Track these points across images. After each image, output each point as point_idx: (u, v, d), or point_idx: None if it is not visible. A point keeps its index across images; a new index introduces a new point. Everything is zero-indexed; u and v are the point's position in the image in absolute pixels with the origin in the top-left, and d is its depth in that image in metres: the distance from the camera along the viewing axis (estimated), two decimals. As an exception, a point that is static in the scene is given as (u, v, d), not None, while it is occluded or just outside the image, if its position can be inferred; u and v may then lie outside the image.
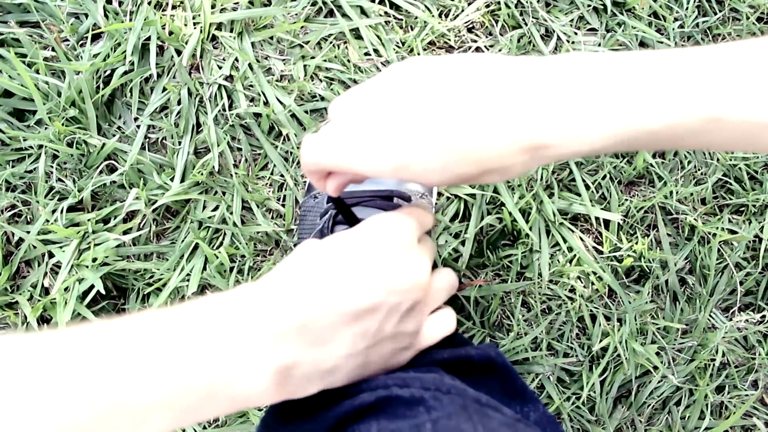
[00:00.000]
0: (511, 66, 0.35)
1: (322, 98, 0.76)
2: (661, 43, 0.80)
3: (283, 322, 0.36)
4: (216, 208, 0.75)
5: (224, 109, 0.75)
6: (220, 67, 0.76)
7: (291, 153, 0.76)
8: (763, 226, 0.80)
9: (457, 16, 0.79)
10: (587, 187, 0.78)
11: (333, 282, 0.38)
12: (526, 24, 0.80)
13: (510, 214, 0.74)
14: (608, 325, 0.77)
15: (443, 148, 0.35)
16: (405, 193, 0.69)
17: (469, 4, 0.79)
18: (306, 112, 0.76)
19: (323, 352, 0.38)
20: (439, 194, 0.76)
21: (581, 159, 0.78)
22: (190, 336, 0.35)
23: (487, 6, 0.79)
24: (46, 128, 0.74)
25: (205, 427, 0.73)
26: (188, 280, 0.73)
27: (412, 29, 0.79)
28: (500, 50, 0.78)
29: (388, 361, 0.43)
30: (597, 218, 0.78)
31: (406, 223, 0.43)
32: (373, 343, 0.40)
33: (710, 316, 0.80)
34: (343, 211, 0.57)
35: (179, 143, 0.75)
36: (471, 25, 0.80)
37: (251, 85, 0.76)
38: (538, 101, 0.33)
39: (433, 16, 0.78)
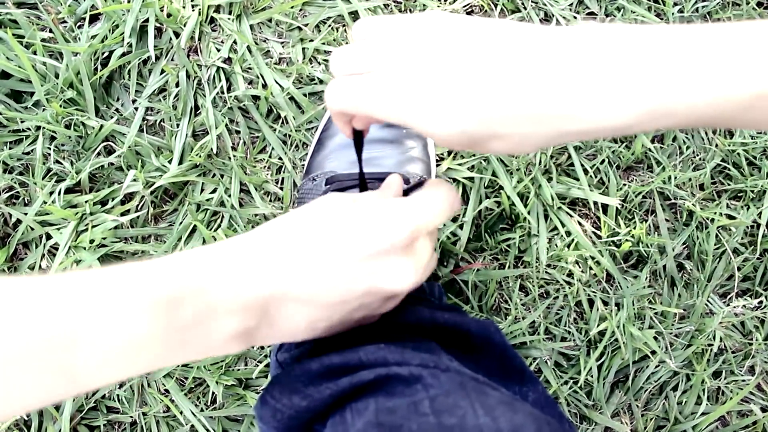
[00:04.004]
0: (545, 36, 0.33)
1: (321, 81, 0.76)
2: (661, 28, 0.80)
3: (248, 294, 0.36)
4: (214, 191, 0.75)
5: (222, 92, 0.75)
6: (218, 50, 0.75)
7: (289, 136, 0.76)
8: (761, 212, 0.80)
9: (457, -1, 0.79)
10: (585, 171, 0.78)
11: (307, 266, 0.38)
12: (525, 8, 0.79)
13: (508, 197, 0.74)
14: (606, 309, 0.77)
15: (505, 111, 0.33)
16: (404, 175, 0.69)
17: (468, -12, 0.79)
18: (304, 95, 0.76)
19: (281, 327, 0.39)
20: (437, 177, 0.76)
21: (581, 143, 0.78)
22: (169, 289, 0.34)
23: (487, -10, 0.79)
24: (43, 110, 0.73)
25: (202, 409, 0.73)
26: (186, 263, 0.73)
27: (410, 12, 0.79)
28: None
29: (356, 322, 0.44)
30: (595, 203, 0.78)
31: (408, 219, 0.40)
32: (337, 323, 0.41)
33: (708, 301, 0.80)
34: (359, 147, 0.54)
35: (177, 125, 0.75)
36: (470, 9, 0.80)
37: (250, 68, 0.76)
38: (568, 72, 0.32)
39: (432, -1, 0.78)
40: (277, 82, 0.75)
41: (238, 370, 0.74)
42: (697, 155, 0.81)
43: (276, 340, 0.40)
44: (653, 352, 0.76)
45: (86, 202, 0.72)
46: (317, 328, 0.40)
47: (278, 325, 0.39)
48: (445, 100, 0.34)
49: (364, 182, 0.57)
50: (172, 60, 0.75)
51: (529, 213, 0.75)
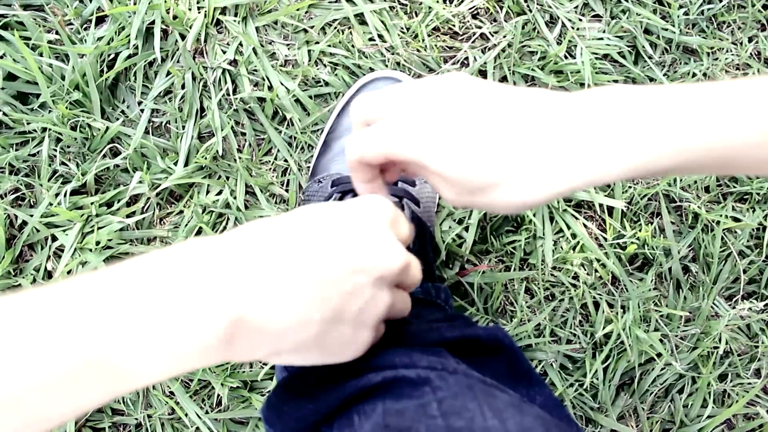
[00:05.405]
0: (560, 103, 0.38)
1: (326, 83, 0.76)
2: (666, 30, 0.80)
3: (237, 272, 0.34)
4: (219, 193, 0.75)
5: (228, 94, 0.75)
6: (224, 52, 0.75)
7: (295, 138, 0.76)
8: (766, 214, 0.80)
9: (462, 2, 0.79)
10: (591, 173, 0.77)
11: (298, 243, 0.36)
12: (530, 10, 0.79)
13: (514, 200, 0.74)
14: (611, 312, 0.77)
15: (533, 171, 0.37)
16: (408, 179, 0.69)
17: (473, -9, 0.79)
18: (310, 97, 0.76)
19: (274, 310, 0.34)
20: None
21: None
22: (139, 289, 0.31)
23: (492, -8, 0.79)
24: (49, 111, 0.74)
25: (207, 412, 0.73)
26: (191, 265, 0.73)
27: (416, 15, 0.79)
28: (504, 36, 0.78)
29: (342, 350, 0.40)
30: (601, 205, 0.77)
31: (389, 207, 0.42)
32: (329, 319, 0.37)
33: (713, 304, 0.80)
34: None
35: (183, 127, 0.75)
36: (475, 12, 0.80)
37: (255, 70, 0.76)
38: (582, 125, 0.36)
39: (437, 1, 0.78)
40: (282, 84, 0.75)
41: (243, 372, 0.74)
42: (703, 158, 0.81)
43: (266, 343, 0.35)
44: (659, 355, 0.76)
45: (92, 203, 0.72)
46: (310, 320, 0.36)
47: (266, 312, 0.34)
48: (456, 143, 0.38)
49: None
50: (178, 62, 0.76)
51: (534, 215, 0.75)
